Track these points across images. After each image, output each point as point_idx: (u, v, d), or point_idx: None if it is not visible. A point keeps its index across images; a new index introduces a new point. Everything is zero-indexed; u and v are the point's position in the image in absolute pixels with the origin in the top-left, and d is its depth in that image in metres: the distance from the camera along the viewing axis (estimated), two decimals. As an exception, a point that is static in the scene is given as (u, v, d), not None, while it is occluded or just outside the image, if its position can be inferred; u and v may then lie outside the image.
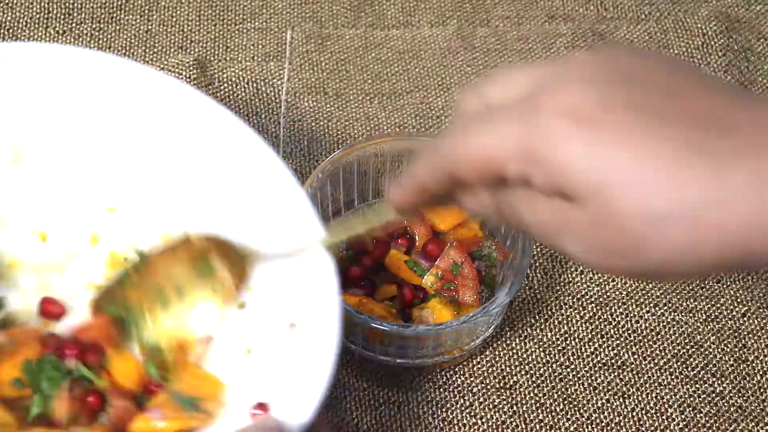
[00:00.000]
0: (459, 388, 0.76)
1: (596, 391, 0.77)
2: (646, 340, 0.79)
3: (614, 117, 0.48)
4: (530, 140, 0.49)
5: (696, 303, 0.80)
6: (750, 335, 0.79)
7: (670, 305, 0.80)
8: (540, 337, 0.79)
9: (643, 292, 0.81)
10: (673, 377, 0.77)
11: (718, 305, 0.80)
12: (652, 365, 0.78)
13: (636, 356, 0.78)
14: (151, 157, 0.72)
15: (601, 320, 0.80)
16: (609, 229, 0.49)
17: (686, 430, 0.75)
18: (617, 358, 0.78)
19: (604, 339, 0.79)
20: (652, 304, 0.80)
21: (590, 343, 0.79)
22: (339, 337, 0.61)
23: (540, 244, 0.82)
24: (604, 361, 0.78)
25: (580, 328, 0.79)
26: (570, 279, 0.81)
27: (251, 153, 0.69)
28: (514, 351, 0.78)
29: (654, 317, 0.80)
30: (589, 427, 0.75)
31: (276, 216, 0.68)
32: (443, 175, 0.55)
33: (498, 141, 0.51)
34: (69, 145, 0.73)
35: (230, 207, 0.70)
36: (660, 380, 0.77)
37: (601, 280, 0.81)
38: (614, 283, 0.81)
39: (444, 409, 0.76)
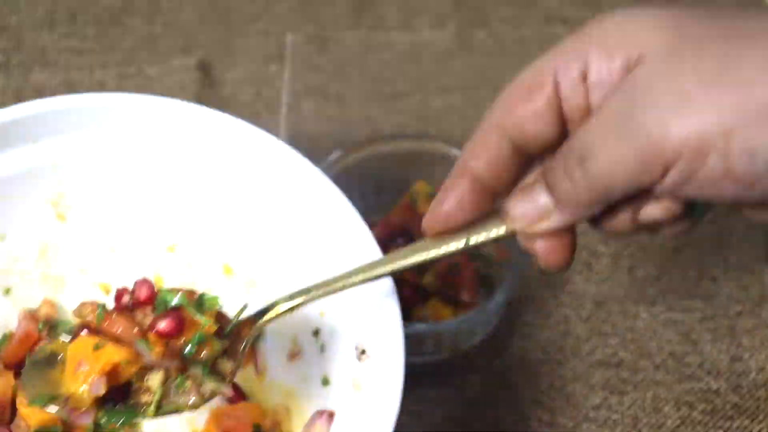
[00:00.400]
0: (458, 386, 0.77)
1: (593, 388, 0.77)
2: (642, 338, 0.79)
3: None
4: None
5: (692, 302, 0.81)
6: (745, 334, 0.79)
7: (666, 304, 0.81)
8: (538, 335, 0.79)
9: (640, 291, 0.81)
10: (669, 375, 0.77)
11: (714, 304, 0.81)
12: (648, 363, 0.78)
13: (633, 354, 0.78)
14: (204, 192, 0.71)
15: (598, 319, 0.80)
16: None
17: (682, 426, 0.75)
18: (614, 356, 0.78)
19: (601, 337, 0.79)
20: (648, 303, 0.81)
21: (587, 342, 0.79)
22: (404, 363, 0.60)
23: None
24: (601, 359, 0.78)
25: (578, 327, 0.79)
26: (568, 278, 0.82)
27: (305, 182, 0.67)
28: (513, 349, 0.78)
29: (650, 316, 0.80)
30: (586, 424, 0.75)
31: (336, 247, 0.66)
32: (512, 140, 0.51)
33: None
34: (114, 193, 0.71)
35: (289, 240, 0.69)
36: (656, 378, 0.77)
37: (598, 280, 0.82)
38: (611, 282, 0.82)
39: (443, 408, 0.76)
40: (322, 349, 0.67)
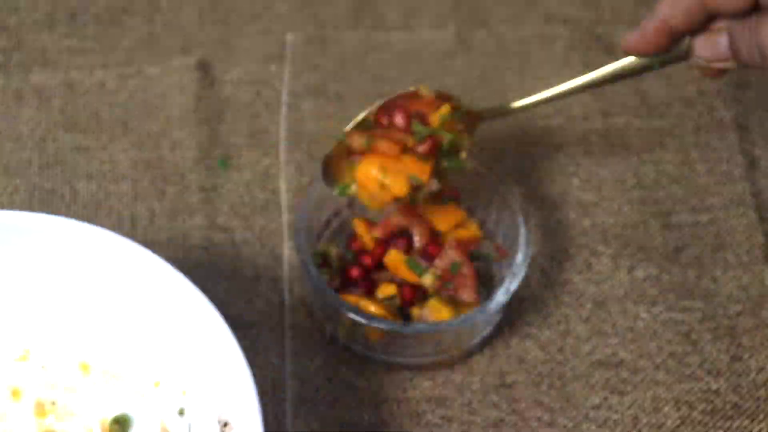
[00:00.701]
0: (458, 386, 0.77)
1: (593, 388, 0.77)
2: (642, 338, 0.79)
3: None
4: None
5: (692, 302, 0.81)
6: (745, 334, 0.79)
7: (666, 304, 0.81)
8: (538, 335, 0.79)
9: (640, 291, 0.81)
10: (669, 375, 0.77)
11: (714, 304, 0.81)
12: (648, 363, 0.78)
13: (633, 354, 0.78)
14: (53, 293, 0.72)
15: (598, 319, 0.80)
16: None
17: (682, 427, 0.75)
18: (614, 356, 0.78)
19: (602, 337, 0.79)
20: (648, 303, 0.81)
21: (587, 342, 0.79)
22: (263, 427, 0.63)
23: (537, 250, 0.83)
24: (601, 359, 0.78)
25: (578, 327, 0.79)
26: (568, 278, 0.82)
27: (146, 269, 0.69)
28: (513, 349, 0.78)
29: (650, 316, 0.80)
30: (586, 424, 0.75)
31: (191, 339, 0.69)
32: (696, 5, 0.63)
33: None
34: None
35: (145, 331, 0.71)
36: (656, 378, 0.77)
37: (598, 280, 0.82)
38: (611, 282, 0.82)
39: (443, 407, 0.76)
40: (190, 427, 0.69)
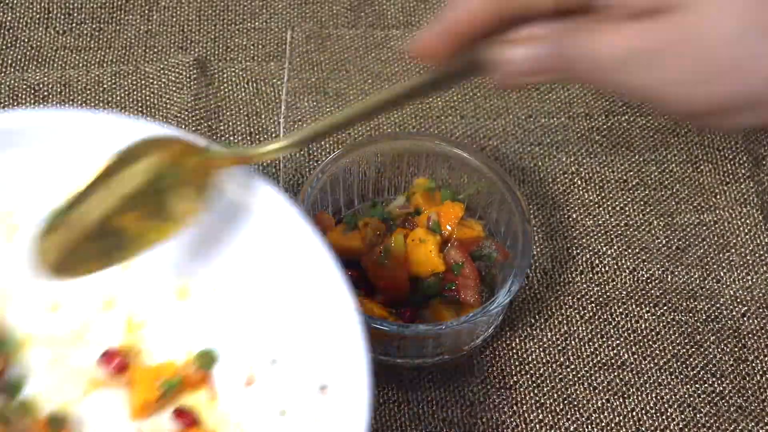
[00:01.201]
0: (459, 388, 0.76)
1: (596, 390, 0.77)
2: (645, 339, 0.79)
3: None
4: None
5: (696, 303, 0.80)
6: (750, 335, 0.79)
7: (669, 305, 0.80)
8: (540, 336, 0.79)
9: (643, 291, 0.81)
10: (672, 377, 0.77)
11: (718, 305, 0.80)
12: (651, 365, 0.78)
13: (636, 356, 0.78)
14: None
15: (600, 320, 0.80)
16: (704, 44, 0.47)
17: (686, 430, 0.75)
18: (617, 357, 0.78)
19: (604, 339, 0.79)
20: (651, 304, 0.80)
21: (590, 343, 0.79)
22: (371, 400, 0.59)
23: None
24: (603, 361, 0.78)
25: (580, 328, 0.79)
26: (570, 279, 0.81)
27: (263, 200, 0.66)
28: (514, 351, 0.78)
29: (654, 317, 0.80)
30: (589, 427, 0.75)
31: (295, 271, 0.65)
32: (500, 4, 0.52)
33: None
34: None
35: (241, 253, 0.68)
36: (660, 380, 0.77)
37: (601, 280, 0.81)
38: (614, 283, 0.81)
39: (444, 409, 0.76)
40: (279, 380, 0.66)
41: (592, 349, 0.78)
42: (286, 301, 0.66)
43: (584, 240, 0.84)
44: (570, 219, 0.85)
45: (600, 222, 0.84)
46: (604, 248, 0.83)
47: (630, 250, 0.83)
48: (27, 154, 0.68)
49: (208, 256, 0.69)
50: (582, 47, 0.51)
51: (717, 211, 0.85)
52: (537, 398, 0.76)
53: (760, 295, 0.81)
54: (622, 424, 0.75)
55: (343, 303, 0.62)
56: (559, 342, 0.79)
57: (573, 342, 0.79)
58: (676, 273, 0.82)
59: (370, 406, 0.59)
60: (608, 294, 0.81)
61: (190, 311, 0.70)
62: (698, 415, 0.76)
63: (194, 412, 0.68)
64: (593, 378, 0.77)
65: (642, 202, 0.86)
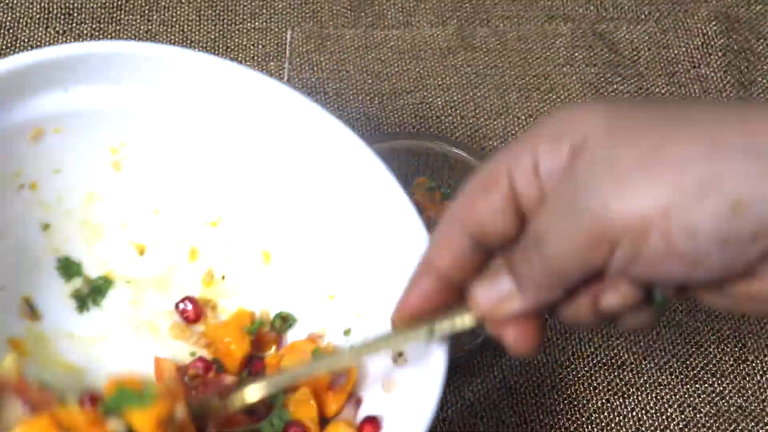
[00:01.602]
0: (459, 388, 0.76)
1: (596, 390, 0.76)
2: (645, 340, 0.79)
3: None
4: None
5: (696, 303, 0.80)
6: (750, 335, 0.79)
7: (669, 305, 0.80)
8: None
9: (643, 292, 0.81)
10: (673, 377, 0.77)
11: (718, 305, 0.80)
12: (651, 365, 0.78)
13: (636, 356, 0.78)
14: (256, 171, 0.69)
15: (601, 320, 0.80)
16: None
17: (686, 429, 0.75)
18: (617, 358, 0.78)
19: (604, 339, 0.79)
20: (652, 304, 0.80)
21: (590, 343, 0.79)
22: (445, 371, 0.58)
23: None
24: (604, 360, 0.78)
25: (580, 328, 0.79)
26: (570, 279, 0.81)
27: (358, 165, 0.66)
28: (514, 351, 0.78)
29: (654, 317, 0.80)
30: (589, 426, 0.75)
31: (383, 231, 0.65)
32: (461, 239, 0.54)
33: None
34: (172, 154, 0.70)
35: (336, 222, 0.68)
36: (660, 380, 0.77)
37: (601, 280, 0.81)
38: (614, 283, 0.81)
39: (444, 409, 0.75)
40: (352, 348, 0.65)
41: (592, 349, 0.78)
42: (367, 273, 0.66)
43: (584, 240, 0.83)
44: (570, 219, 0.84)
45: (600, 222, 0.84)
46: (604, 248, 0.83)
47: (630, 250, 0.83)
48: (153, 90, 0.68)
49: (294, 223, 0.70)
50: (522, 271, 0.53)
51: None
52: (537, 398, 0.76)
53: (760, 295, 0.81)
54: (622, 424, 0.75)
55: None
56: (559, 342, 0.79)
57: (573, 342, 0.79)
58: (676, 273, 0.82)
59: (443, 376, 0.59)
60: (608, 294, 0.81)
61: (269, 275, 0.71)
62: (698, 415, 0.76)
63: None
64: (593, 378, 0.77)
65: (642, 202, 0.85)
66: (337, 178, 0.67)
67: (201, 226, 0.72)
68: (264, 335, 0.70)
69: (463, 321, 0.56)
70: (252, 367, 0.68)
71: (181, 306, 0.71)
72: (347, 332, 0.67)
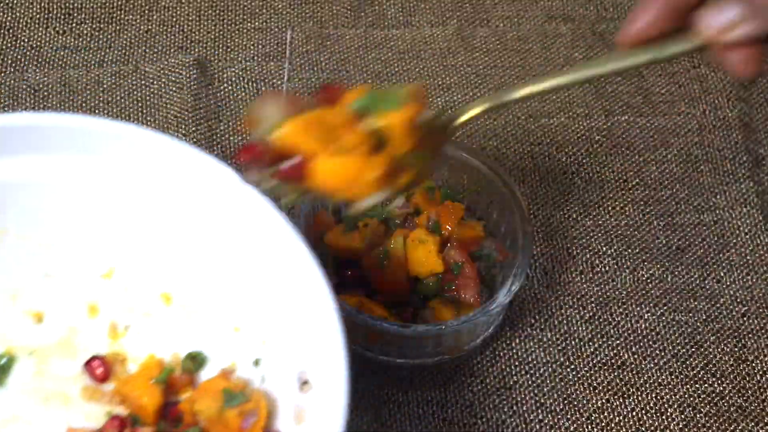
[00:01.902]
0: (459, 388, 0.76)
1: (596, 390, 0.76)
2: (645, 340, 0.79)
3: None
4: None
5: (696, 303, 0.80)
6: (750, 335, 0.79)
7: (669, 305, 0.80)
8: (540, 336, 0.79)
9: (643, 292, 0.81)
10: (672, 377, 0.77)
11: (718, 305, 0.80)
12: (651, 365, 0.78)
13: (636, 356, 0.78)
14: (144, 217, 0.69)
15: (600, 320, 0.80)
16: None
17: (686, 430, 0.75)
18: (617, 358, 0.78)
19: (604, 339, 0.79)
20: (651, 304, 0.80)
21: (590, 343, 0.79)
22: (348, 392, 0.59)
23: (540, 243, 0.83)
24: (604, 361, 0.78)
25: (580, 328, 0.79)
26: (570, 279, 0.81)
27: (242, 203, 0.66)
28: (514, 351, 0.78)
29: (654, 317, 0.80)
30: (589, 426, 0.75)
31: (273, 259, 0.65)
32: None
33: None
34: (55, 213, 0.69)
35: (232, 269, 0.68)
36: (660, 380, 0.77)
37: (601, 281, 0.81)
38: (614, 283, 0.81)
39: (444, 409, 0.75)
40: (263, 380, 0.66)
41: (592, 349, 0.78)
42: (268, 301, 0.66)
43: (584, 240, 0.84)
44: (570, 219, 0.84)
45: (600, 222, 0.84)
46: (604, 248, 0.83)
47: (630, 250, 0.83)
48: (20, 156, 0.67)
49: (190, 261, 0.69)
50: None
51: (717, 211, 0.85)
52: (537, 398, 0.76)
53: (760, 295, 0.81)
54: (622, 424, 0.75)
55: (322, 299, 0.62)
56: (559, 342, 0.79)
57: (573, 342, 0.79)
58: (676, 273, 0.82)
59: (348, 399, 0.59)
60: (608, 294, 0.81)
61: (173, 316, 0.70)
62: (698, 415, 0.76)
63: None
64: (593, 378, 0.77)
65: (642, 203, 0.85)
66: (223, 215, 0.67)
67: (95, 281, 0.71)
68: (177, 379, 0.69)
69: (688, 44, 0.59)
70: (168, 414, 0.68)
71: (90, 367, 0.69)
72: (257, 362, 0.67)
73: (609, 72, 0.62)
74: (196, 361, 0.69)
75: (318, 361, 0.62)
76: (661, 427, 0.75)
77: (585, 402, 0.76)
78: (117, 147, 0.67)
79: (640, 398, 0.76)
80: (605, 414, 0.76)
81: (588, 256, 0.83)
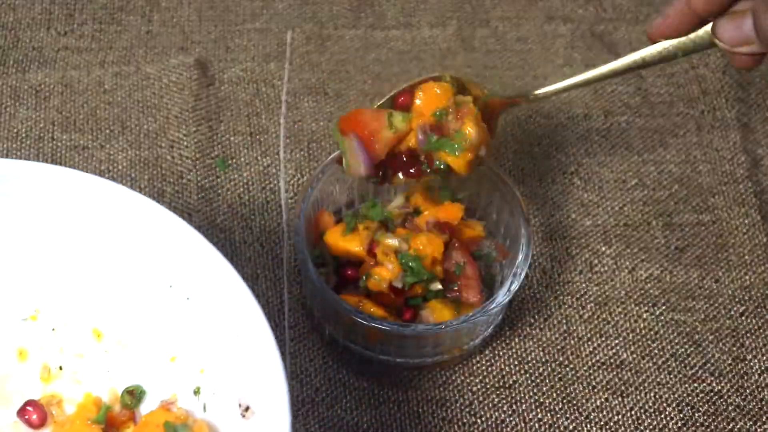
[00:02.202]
0: (459, 387, 0.76)
1: (595, 390, 0.77)
2: (644, 339, 0.79)
3: None
4: None
5: (694, 302, 0.80)
6: (748, 334, 0.79)
7: (668, 305, 0.80)
8: (539, 336, 0.79)
9: (642, 291, 0.81)
10: (671, 376, 0.77)
11: (717, 305, 0.80)
12: (650, 364, 0.78)
13: (634, 355, 0.78)
14: (64, 252, 0.68)
15: (599, 320, 0.80)
16: None
17: (684, 428, 0.75)
18: (616, 357, 0.78)
19: (603, 338, 0.79)
20: (650, 304, 0.80)
21: (589, 343, 0.79)
22: (290, 419, 0.59)
23: (540, 243, 0.83)
24: (602, 360, 0.78)
25: (579, 328, 0.79)
26: (569, 279, 0.81)
27: (167, 231, 0.66)
28: (514, 350, 0.78)
29: (652, 317, 0.80)
30: (588, 425, 0.75)
31: (213, 306, 0.65)
32: None
33: None
34: None
35: (162, 299, 0.67)
36: (658, 379, 0.77)
37: (600, 280, 0.81)
38: (613, 282, 0.81)
39: (444, 408, 0.76)
40: (205, 408, 0.66)
41: (591, 349, 0.78)
42: (202, 328, 0.66)
43: (583, 240, 0.84)
44: (569, 219, 0.85)
45: (599, 222, 0.84)
46: (603, 248, 0.83)
47: (629, 250, 0.83)
48: None
49: (118, 294, 0.69)
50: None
51: (715, 212, 0.85)
52: (536, 397, 0.76)
53: (758, 294, 0.81)
54: (620, 423, 0.75)
55: (256, 321, 0.62)
56: (558, 341, 0.79)
57: (572, 341, 0.79)
58: (675, 273, 0.82)
59: (291, 420, 0.59)
60: (607, 293, 0.81)
61: (106, 352, 0.69)
62: (696, 414, 0.76)
63: None
64: (592, 377, 0.77)
65: (641, 203, 0.86)
66: (147, 245, 0.66)
67: (21, 324, 0.70)
68: (116, 416, 0.68)
69: (701, 39, 0.70)
70: None
71: (23, 414, 0.67)
72: (197, 391, 0.66)
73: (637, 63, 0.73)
74: (134, 395, 0.68)
75: (258, 385, 0.61)
76: (660, 426, 0.75)
77: (584, 401, 0.76)
78: (28, 186, 0.66)
79: (638, 397, 0.76)
80: (604, 413, 0.76)
81: (587, 255, 0.83)
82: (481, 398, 0.76)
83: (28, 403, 0.68)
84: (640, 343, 0.79)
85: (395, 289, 0.73)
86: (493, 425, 0.75)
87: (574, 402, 0.76)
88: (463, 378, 0.77)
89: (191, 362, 0.67)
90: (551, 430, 0.75)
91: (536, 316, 0.80)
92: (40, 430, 0.68)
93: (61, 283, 0.69)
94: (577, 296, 0.81)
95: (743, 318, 0.80)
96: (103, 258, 0.68)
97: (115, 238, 0.68)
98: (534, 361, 0.78)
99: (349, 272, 0.76)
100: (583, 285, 0.81)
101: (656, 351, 0.78)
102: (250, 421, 0.62)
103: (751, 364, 0.78)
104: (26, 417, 0.67)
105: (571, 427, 0.75)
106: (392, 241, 0.74)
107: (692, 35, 0.70)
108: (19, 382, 0.69)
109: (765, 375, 0.77)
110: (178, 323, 0.67)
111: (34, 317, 0.70)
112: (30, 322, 0.70)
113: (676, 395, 0.76)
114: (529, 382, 0.77)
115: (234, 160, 0.86)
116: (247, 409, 0.63)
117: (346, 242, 0.75)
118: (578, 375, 0.77)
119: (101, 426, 0.67)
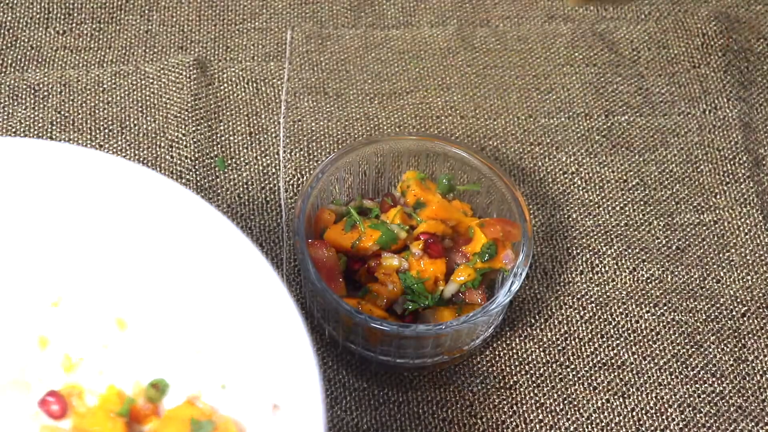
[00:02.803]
0: (459, 388, 0.76)
1: (596, 391, 0.76)
2: (645, 340, 0.79)
3: None
4: None
5: (696, 303, 0.80)
6: (749, 335, 0.79)
7: (669, 305, 0.80)
8: (540, 337, 0.79)
9: (643, 292, 0.81)
10: (672, 377, 0.77)
11: (718, 305, 0.80)
12: (651, 365, 0.78)
13: (636, 356, 0.78)
14: (92, 241, 0.66)
15: (600, 320, 0.79)
16: None
17: (686, 430, 0.75)
18: (617, 358, 0.78)
19: (604, 339, 0.79)
20: (651, 304, 0.80)
21: (590, 343, 0.78)
22: (324, 417, 0.57)
23: (540, 244, 0.83)
24: (603, 361, 0.78)
25: (580, 328, 0.79)
26: (570, 279, 0.81)
27: (201, 222, 0.64)
28: (514, 351, 0.78)
29: (654, 317, 0.80)
30: (589, 427, 0.75)
31: (241, 296, 0.63)
32: None
33: None
34: None
35: (188, 290, 0.65)
36: (660, 380, 0.77)
37: (600, 281, 0.81)
38: (614, 283, 0.81)
39: (444, 409, 0.75)
40: (231, 405, 0.64)
41: (592, 349, 0.78)
42: (230, 320, 0.64)
43: (584, 240, 0.83)
44: (570, 219, 0.84)
45: (600, 222, 0.84)
46: (604, 248, 0.83)
47: (630, 250, 0.83)
48: None
49: (143, 282, 0.67)
50: None
51: (717, 211, 0.85)
52: (537, 398, 0.76)
53: (760, 295, 0.81)
54: (621, 424, 0.75)
55: (288, 314, 0.60)
56: (559, 342, 0.78)
57: (573, 342, 0.78)
58: (676, 273, 0.82)
59: (325, 420, 0.57)
60: (608, 294, 0.81)
61: (130, 343, 0.68)
62: (698, 415, 0.75)
63: None
64: (593, 378, 0.77)
65: (642, 202, 0.85)
66: (176, 231, 0.65)
67: (42, 310, 0.67)
68: (140, 410, 0.66)
69: None
70: None
71: (44, 404, 0.65)
72: (223, 387, 0.65)
73: None
74: (158, 389, 0.66)
75: (289, 382, 0.59)
76: (661, 427, 0.75)
77: (585, 402, 0.76)
78: (54, 168, 0.65)
79: (639, 398, 0.76)
80: (605, 414, 0.75)
81: (588, 256, 0.83)
82: (481, 399, 0.76)
83: (50, 393, 0.66)
84: (641, 344, 0.78)
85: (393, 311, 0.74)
86: (494, 426, 0.75)
87: (575, 403, 0.76)
88: (463, 379, 0.77)
89: (218, 356, 0.65)
90: (552, 431, 0.75)
91: (537, 317, 0.79)
92: (61, 421, 0.66)
93: (86, 270, 0.67)
94: (578, 296, 0.81)
95: (745, 319, 0.80)
96: (129, 245, 0.66)
97: (142, 225, 0.66)
98: (535, 362, 0.77)
99: (356, 266, 0.76)
100: (584, 285, 0.81)
101: (657, 352, 0.78)
102: (279, 419, 0.60)
103: (753, 365, 0.78)
104: (47, 408, 0.66)
105: (572, 429, 0.75)
106: (394, 261, 0.73)
107: None
108: (40, 371, 0.67)
109: (767, 376, 0.77)
110: (204, 314, 0.65)
111: (56, 304, 0.68)
112: (52, 309, 0.68)
113: (677, 396, 0.76)
114: (530, 382, 0.77)
115: (233, 160, 0.86)
116: (275, 407, 0.61)
117: (345, 239, 0.75)
118: (579, 376, 0.77)
119: (124, 419, 0.65)
